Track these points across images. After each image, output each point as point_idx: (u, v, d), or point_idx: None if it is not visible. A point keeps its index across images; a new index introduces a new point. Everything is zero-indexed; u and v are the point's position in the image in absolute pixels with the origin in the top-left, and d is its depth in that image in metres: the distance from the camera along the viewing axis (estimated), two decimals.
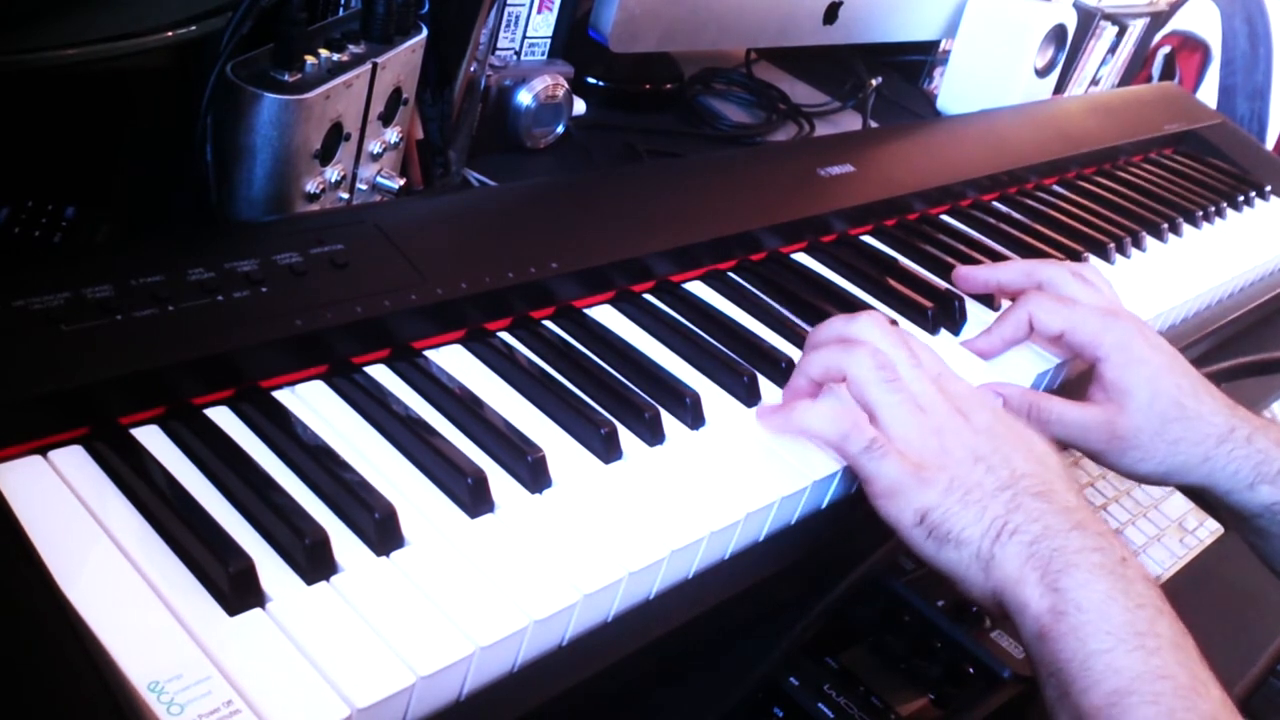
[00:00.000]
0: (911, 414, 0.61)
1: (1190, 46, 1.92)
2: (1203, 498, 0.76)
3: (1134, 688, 0.51)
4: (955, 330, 0.83)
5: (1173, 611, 0.54)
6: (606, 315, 0.73)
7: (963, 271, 0.86)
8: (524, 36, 0.99)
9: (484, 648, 0.48)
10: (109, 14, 0.59)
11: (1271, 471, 0.70)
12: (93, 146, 0.69)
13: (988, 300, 0.87)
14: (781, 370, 0.71)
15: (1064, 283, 0.78)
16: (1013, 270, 0.83)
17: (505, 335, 0.67)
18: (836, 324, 0.67)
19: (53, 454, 0.51)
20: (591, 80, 1.12)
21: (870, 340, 0.64)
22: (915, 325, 0.81)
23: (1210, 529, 0.85)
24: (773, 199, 0.87)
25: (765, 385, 0.69)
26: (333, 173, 0.70)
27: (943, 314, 0.83)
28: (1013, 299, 0.81)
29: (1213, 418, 0.72)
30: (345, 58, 0.69)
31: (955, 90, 1.36)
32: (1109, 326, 0.74)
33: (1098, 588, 0.54)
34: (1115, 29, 1.55)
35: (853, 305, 0.81)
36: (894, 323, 0.76)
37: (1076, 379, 0.83)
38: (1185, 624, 0.54)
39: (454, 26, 0.81)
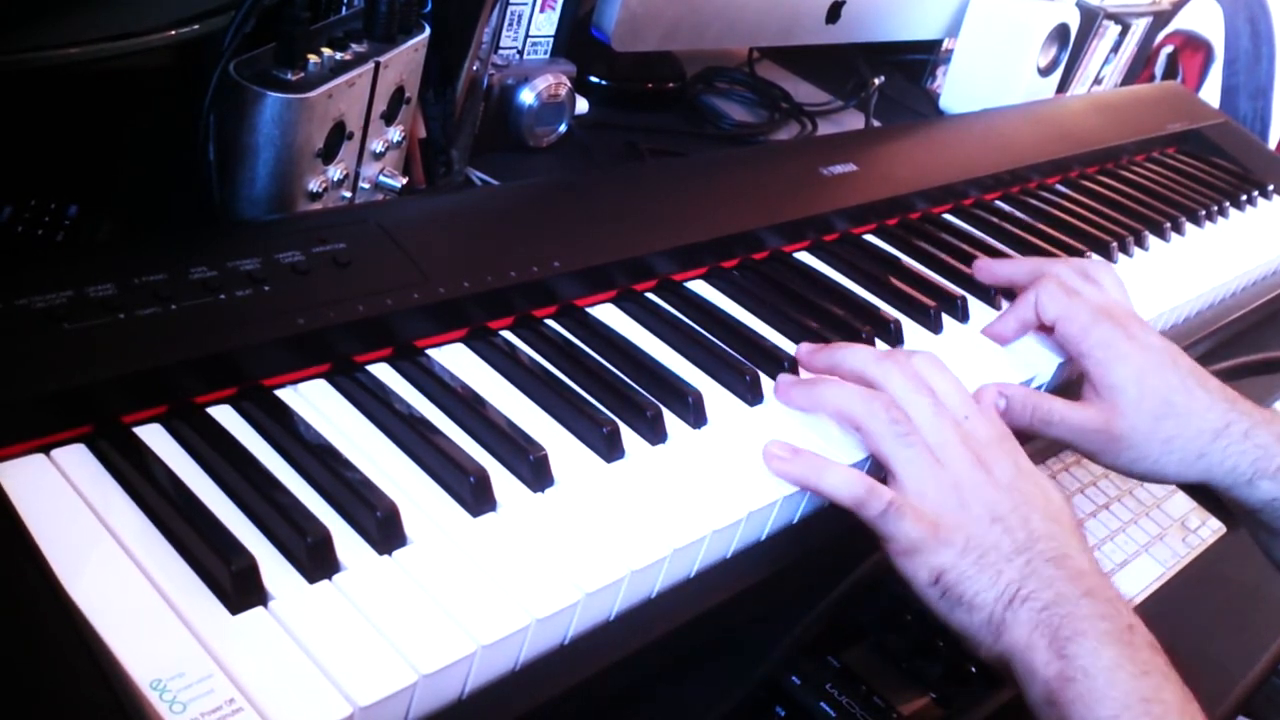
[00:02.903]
0: (929, 468, 0.60)
1: (1193, 46, 1.92)
2: (1210, 494, 0.76)
3: None
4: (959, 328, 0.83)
5: (1178, 677, 0.55)
6: (609, 314, 0.73)
7: (982, 261, 0.86)
8: (526, 35, 0.99)
9: (486, 646, 0.48)
10: (111, 13, 0.59)
11: (1271, 467, 0.70)
12: (95, 145, 0.69)
13: (989, 299, 0.87)
14: (784, 370, 0.70)
15: (1068, 278, 0.79)
16: (1023, 267, 0.84)
17: (507, 334, 0.67)
18: (860, 358, 0.65)
19: (55, 452, 0.51)
20: (594, 79, 1.12)
21: (890, 386, 0.63)
22: (918, 324, 0.81)
23: (1212, 528, 0.85)
24: (775, 198, 0.87)
25: (768, 384, 0.69)
26: (335, 171, 0.70)
27: (945, 313, 0.83)
28: None
29: (1206, 413, 0.71)
30: (348, 56, 0.69)
31: (958, 89, 1.36)
32: (1096, 323, 0.73)
33: (1105, 654, 0.54)
34: (1118, 28, 1.55)
35: (855, 304, 0.81)
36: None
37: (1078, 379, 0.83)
38: (1185, 624, 0.55)
39: (456, 25, 0.81)
